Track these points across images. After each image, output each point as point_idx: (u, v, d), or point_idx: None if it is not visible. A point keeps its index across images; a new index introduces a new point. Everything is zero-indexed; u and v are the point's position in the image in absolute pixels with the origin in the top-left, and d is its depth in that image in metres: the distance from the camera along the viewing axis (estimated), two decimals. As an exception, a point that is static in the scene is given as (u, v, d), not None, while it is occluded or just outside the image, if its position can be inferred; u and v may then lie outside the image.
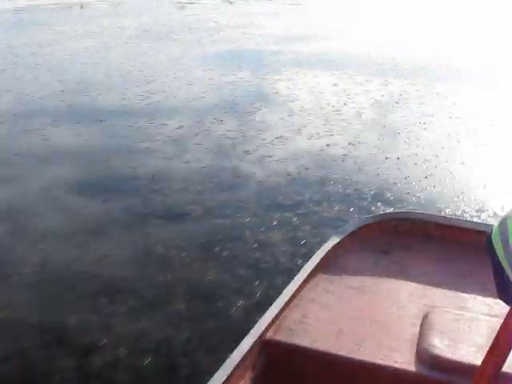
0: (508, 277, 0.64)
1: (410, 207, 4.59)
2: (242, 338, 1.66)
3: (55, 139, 6.43)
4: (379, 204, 4.76)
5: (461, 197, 4.98)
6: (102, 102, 8.19)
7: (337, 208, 4.68)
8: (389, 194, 5.00)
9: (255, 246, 4.02)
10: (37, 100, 8.26)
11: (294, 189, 5.11)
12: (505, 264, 0.64)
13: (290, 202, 4.80)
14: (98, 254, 3.87)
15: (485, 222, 3.43)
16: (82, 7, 18.16)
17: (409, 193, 5.04)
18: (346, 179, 5.35)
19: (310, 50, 13.89)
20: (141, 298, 3.35)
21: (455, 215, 4.34)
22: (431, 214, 2.61)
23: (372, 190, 5.06)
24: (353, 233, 2.26)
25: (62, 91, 8.76)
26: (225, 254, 3.90)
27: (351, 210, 4.64)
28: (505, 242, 0.65)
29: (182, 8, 20.08)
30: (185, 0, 21.20)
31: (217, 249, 3.96)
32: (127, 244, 4.06)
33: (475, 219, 4.32)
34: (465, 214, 4.58)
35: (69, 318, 3.12)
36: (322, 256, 2.05)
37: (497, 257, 0.66)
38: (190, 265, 3.76)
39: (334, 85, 9.87)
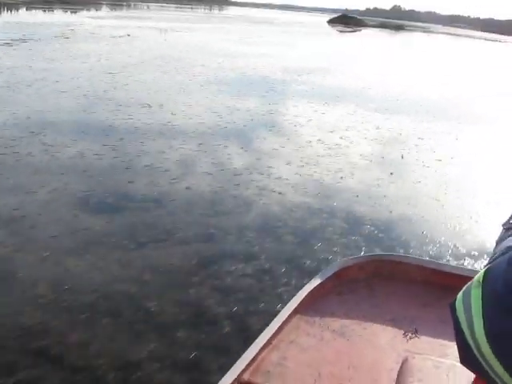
0: (469, 345, 0.64)
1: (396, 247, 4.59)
2: (220, 377, 1.65)
3: (63, 154, 6.49)
4: (374, 241, 4.76)
5: (450, 240, 4.95)
6: (110, 122, 8.30)
7: (333, 241, 4.67)
8: (380, 233, 5.00)
9: (249, 272, 4.02)
10: (49, 113, 8.40)
11: (293, 218, 5.12)
12: (467, 334, 0.64)
13: (287, 232, 4.80)
14: (94, 269, 3.89)
15: (467, 267, 3.37)
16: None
17: (394, 232, 5.04)
18: (346, 213, 5.36)
19: (319, 82, 14.17)
20: (122, 316, 3.35)
21: (439, 259, 4.31)
22: (413, 257, 2.56)
23: (369, 227, 5.07)
24: (334, 275, 2.22)
25: (73, 108, 8.95)
26: (220, 278, 3.91)
27: (348, 244, 4.64)
28: (467, 312, 0.65)
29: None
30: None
31: (211, 272, 3.98)
32: (123, 262, 4.07)
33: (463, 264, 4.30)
34: (452, 259, 4.56)
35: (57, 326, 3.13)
36: (302, 297, 2.03)
37: (460, 325, 0.66)
38: (184, 287, 3.75)
39: (339, 117, 10.02)
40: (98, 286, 3.66)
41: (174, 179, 5.93)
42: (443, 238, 4.92)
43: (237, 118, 9.19)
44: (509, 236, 0.79)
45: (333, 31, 47.50)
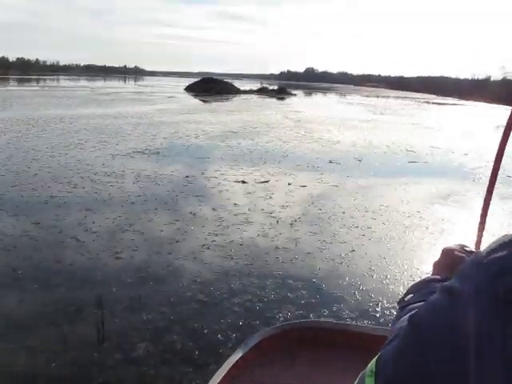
0: None
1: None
2: None
3: None
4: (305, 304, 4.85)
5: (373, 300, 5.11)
6: (35, 195, 8.26)
7: (262, 308, 4.72)
8: (313, 295, 5.10)
9: (182, 341, 4.01)
10: None
11: (224, 284, 5.18)
12: None
13: (218, 299, 4.85)
14: (20, 349, 3.78)
15: (388, 328, 3.48)
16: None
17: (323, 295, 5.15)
18: (277, 275, 5.45)
19: (246, 146, 14.62)
20: None
21: (364, 322, 4.43)
22: (335, 322, 2.60)
23: (297, 290, 5.16)
24: (255, 346, 2.21)
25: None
26: (149, 349, 3.88)
27: (278, 308, 4.69)
28: None
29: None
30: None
31: (142, 344, 3.95)
32: (51, 340, 3.98)
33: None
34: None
35: None
36: (223, 374, 2.01)
37: None
38: (112, 365, 3.67)
39: (270, 179, 10.40)
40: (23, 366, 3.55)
41: (102, 251, 5.90)
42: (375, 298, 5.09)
43: (163, 186, 9.34)
44: (404, 315, 0.80)
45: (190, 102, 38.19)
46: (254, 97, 50.32)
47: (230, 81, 64.45)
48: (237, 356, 2.11)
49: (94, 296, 4.74)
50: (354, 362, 2.26)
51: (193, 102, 39.41)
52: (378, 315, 4.62)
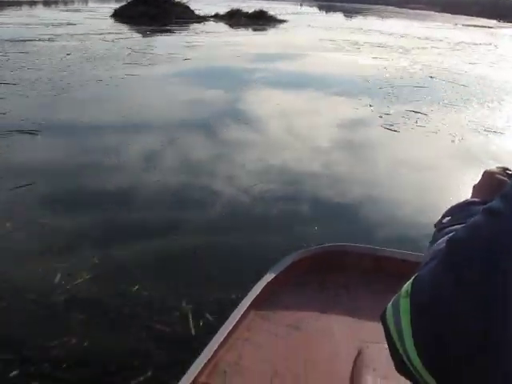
0: (402, 358, 0.66)
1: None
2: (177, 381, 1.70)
3: (23, 153, 6.49)
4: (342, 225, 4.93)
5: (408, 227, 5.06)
6: (71, 117, 8.29)
7: (300, 229, 4.81)
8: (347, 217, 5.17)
9: (218, 264, 4.11)
10: (9, 112, 8.34)
11: (261, 208, 5.28)
12: (398, 346, 0.66)
13: (256, 221, 4.96)
14: (63, 272, 3.91)
15: (418, 253, 3.48)
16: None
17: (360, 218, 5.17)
18: (314, 199, 5.54)
19: (284, 70, 14.47)
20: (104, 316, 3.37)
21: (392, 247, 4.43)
22: (365, 247, 2.61)
23: (338, 213, 5.28)
24: (287, 268, 2.28)
25: (34, 105, 8.94)
26: (188, 272, 3.99)
27: (315, 232, 4.76)
28: (397, 324, 0.67)
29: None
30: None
31: (180, 266, 4.07)
32: (94, 261, 4.10)
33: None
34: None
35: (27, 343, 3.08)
36: (257, 293, 2.08)
37: (391, 337, 0.68)
38: (152, 284, 3.80)
39: (307, 104, 10.29)
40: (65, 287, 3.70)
41: (140, 173, 6.04)
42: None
43: (200, 109, 9.33)
44: (441, 237, 0.79)
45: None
46: (208, 28, 27.68)
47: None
48: (269, 277, 2.18)
49: (132, 217, 4.90)
50: (384, 287, 2.30)
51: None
52: (415, 240, 4.62)
